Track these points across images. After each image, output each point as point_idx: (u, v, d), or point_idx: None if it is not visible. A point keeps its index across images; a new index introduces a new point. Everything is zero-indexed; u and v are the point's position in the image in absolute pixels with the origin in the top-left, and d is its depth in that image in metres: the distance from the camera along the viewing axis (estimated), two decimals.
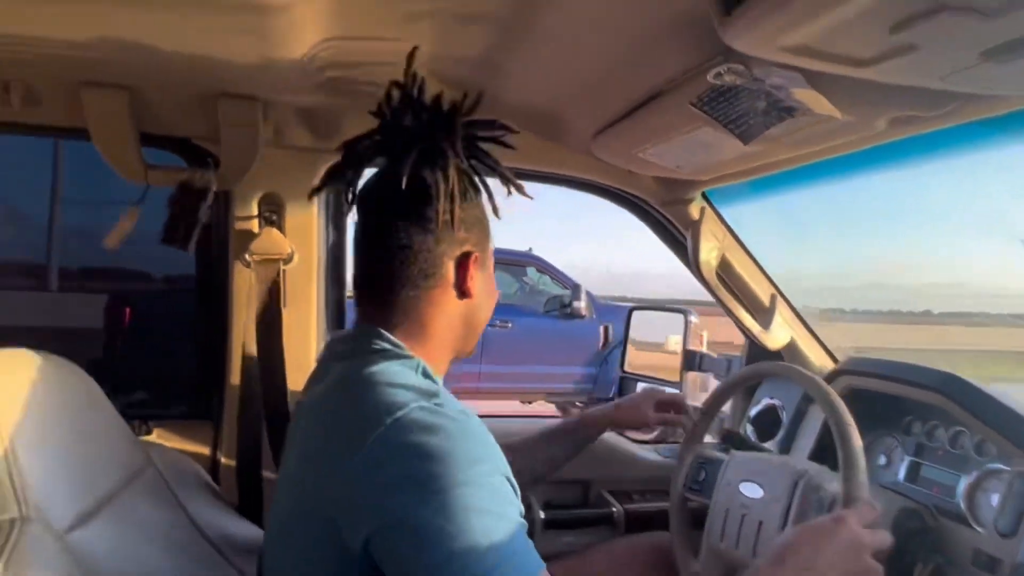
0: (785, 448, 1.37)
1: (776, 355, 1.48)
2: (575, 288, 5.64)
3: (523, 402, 5.78)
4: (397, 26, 0.87)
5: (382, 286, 0.78)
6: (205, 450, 1.30)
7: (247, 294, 1.22)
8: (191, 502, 1.05)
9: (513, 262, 5.81)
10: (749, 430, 1.50)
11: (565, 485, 1.49)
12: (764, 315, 1.43)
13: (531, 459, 1.18)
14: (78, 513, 0.80)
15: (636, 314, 1.91)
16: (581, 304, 5.49)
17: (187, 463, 1.18)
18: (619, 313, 5.85)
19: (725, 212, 1.46)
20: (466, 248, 0.78)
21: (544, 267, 6.01)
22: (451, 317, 0.80)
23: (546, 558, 1.26)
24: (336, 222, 1.32)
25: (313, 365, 1.02)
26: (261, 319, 1.21)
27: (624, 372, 1.85)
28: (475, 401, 4.65)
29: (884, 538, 0.85)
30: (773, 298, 1.45)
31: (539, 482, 1.20)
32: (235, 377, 1.25)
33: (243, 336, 1.22)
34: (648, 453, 1.61)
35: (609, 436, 1.62)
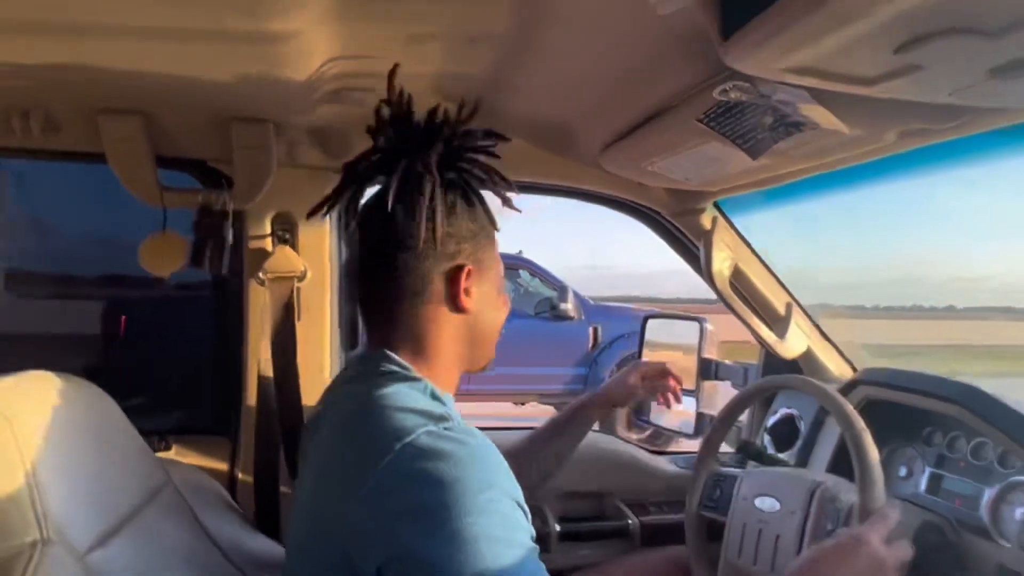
0: (803, 459, 1.35)
1: (793, 364, 1.46)
2: (562, 290, 5.63)
3: (516, 403, 5.80)
4: (403, 47, 0.87)
5: (379, 306, 0.79)
6: (223, 466, 1.31)
7: (261, 312, 1.23)
8: (209, 519, 1.07)
9: (505, 266, 5.88)
10: (766, 440, 1.48)
11: (580, 497, 1.49)
12: (779, 324, 1.42)
13: (536, 459, 1.17)
14: (98, 534, 0.81)
15: (652, 322, 1.90)
16: (568, 306, 5.48)
17: (205, 480, 1.19)
18: (609, 314, 5.89)
19: (739, 219, 1.45)
20: (457, 262, 0.77)
21: (535, 270, 6.03)
22: (451, 333, 0.79)
23: (562, 572, 1.28)
24: (348, 239, 1.34)
25: (327, 381, 1.03)
26: (276, 336, 1.22)
27: None
28: (467, 402, 4.66)
29: (905, 551, 0.83)
30: (788, 307, 1.43)
31: (548, 478, 1.19)
32: (251, 393, 1.26)
33: (258, 353, 1.24)
34: (664, 464, 1.59)
35: (624, 447, 1.62)
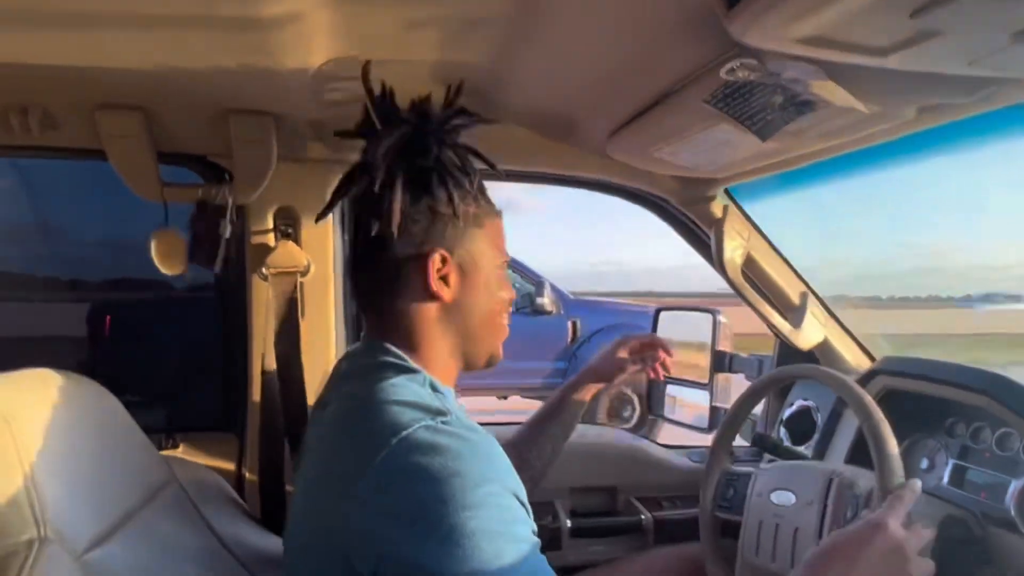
0: (820, 451, 1.32)
1: (809, 355, 1.42)
2: (539, 284, 5.63)
3: (498, 397, 5.80)
4: (402, 33, 0.85)
5: (368, 299, 0.80)
6: (230, 464, 1.31)
7: (265, 307, 1.22)
8: (214, 516, 1.06)
9: None
10: (782, 433, 1.45)
11: (592, 492, 1.46)
12: (794, 314, 1.38)
13: (534, 446, 1.16)
14: (97, 532, 0.80)
15: (664, 315, 1.87)
16: (545, 300, 5.47)
17: (211, 477, 1.19)
18: (589, 308, 5.90)
19: (752, 206, 1.41)
20: (424, 249, 0.75)
21: (512, 265, 6.06)
22: (437, 324, 0.78)
23: (574, 568, 1.26)
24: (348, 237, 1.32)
25: None
26: (280, 332, 1.21)
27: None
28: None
29: (926, 534, 0.80)
30: (804, 296, 1.39)
31: (551, 464, 1.16)
32: (256, 390, 1.25)
33: (262, 349, 1.23)
34: (677, 458, 1.56)
35: (636, 441, 1.59)
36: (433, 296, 0.77)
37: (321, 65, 0.93)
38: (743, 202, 1.40)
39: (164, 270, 1.16)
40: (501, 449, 0.67)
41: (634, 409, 5.35)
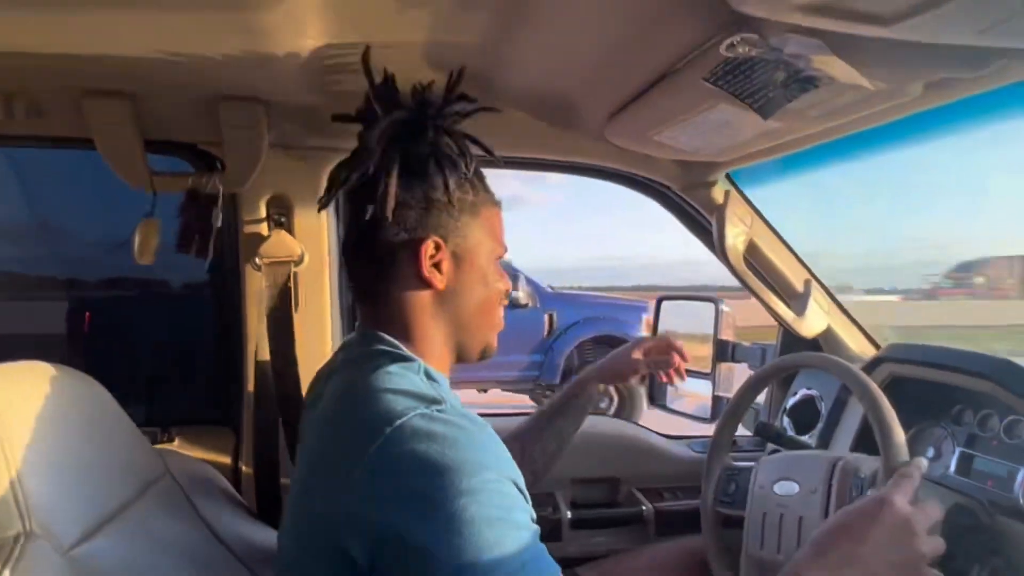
0: (824, 441, 1.30)
1: (813, 344, 1.40)
2: (513, 278, 5.69)
3: (478, 390, 5.83)
4: (393, 14, 0.83)
5: (363, 286, 0.79)
6: (226, 457, 1.29)
7: (259, 298, 1.21)
8: (209, 510, 1.04)
9: None
10: (786, 423, 1.43)
11: (593, 483, 1.45)
12: (797, 301, 1.36)
13: (539, 440, 1.15)
14: (86, 527, 0.79)
15: (666, 304, 1.85)
16: (519, 293, 5.47)
17: (205, 470, 1.17)
18: (565, 301, 5.94)
19: (754, 193, 1.39)
20: (417, 235, 0.75)
21: None
22: (431, 312, 0.77)
23: (575, 561, 1.24)
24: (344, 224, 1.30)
25: None
26: (273, 323, 1.20)
27: None
28: None
29: (934, 510, 0.77)
30: (807, 283, 1.37)
31: (554, 460, 1.16)
32: (251, 382, 1.24)
33: (257, 341, 1.21)
34: (679, 448, 1.55)
35: (638, 431, 1.57)
36: (426, 283, 0.76)
37: (313, 50, 0.91)
38: (745, 188, 1.38)
39: (138, 260, 1.14)
40: (497, 437, 0.66)
41: (612, 400, 5.37)
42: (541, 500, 1.35)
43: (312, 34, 0.85)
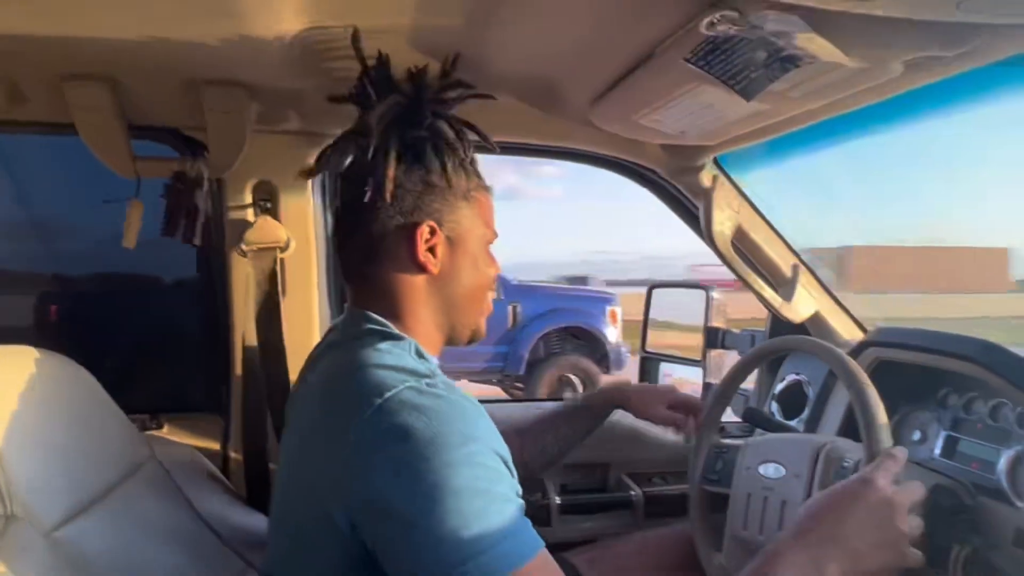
0: (812, 426, 1.30)
1: (801, 329, 1.40)
2: None
3: None
4: None
5: (353, 268, 0.79)
6: (215, 444, 1.30)
7: (245, 284, 1.20)
8: (196, 495, 1.05)
9: None
10: (774, 408, 1.43)
11: (582, 469, 1.45)
12: (785, 287, 1.36)
13: (541, 441, 1.16)
14: (68, 509, 0.79)
15: (657, 292, 1.85)
16: None
17: (193, 456, 1.18)
18: (528, 293, 5.96)
19: (745, 180, 1.38)
20: (414, 220, 0.75)
21: None
22: (422, 295, 0.78)
23: (565, 545, 1.25)
24: (333, 207, 1.30)
25: None
26: (260, 309, 1.20)
27: (645, 352, 1.79)
28: None
29: (916, 491, 0.79)
30: (795, 268, 1.37)
31: (551, 464, 1.18)
32: (239, 369, 1.24)
33: (244, 327, 1.21)
34: (669, 434, 1.55)
35: (628, 418, 1.57)
36: (420, 267, 0.76)
37: (292, 33, 0.90)
38: (734, 174, 1.37)
39: (124, 243, 1.14)
40: (485, 412, 0.67)
41: (576, 391, 5.39)
42: (531, 485, 1.35)
43: (290, 16, 0.84)
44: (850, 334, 1.38)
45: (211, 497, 1.08)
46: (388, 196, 0.73)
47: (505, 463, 0.65)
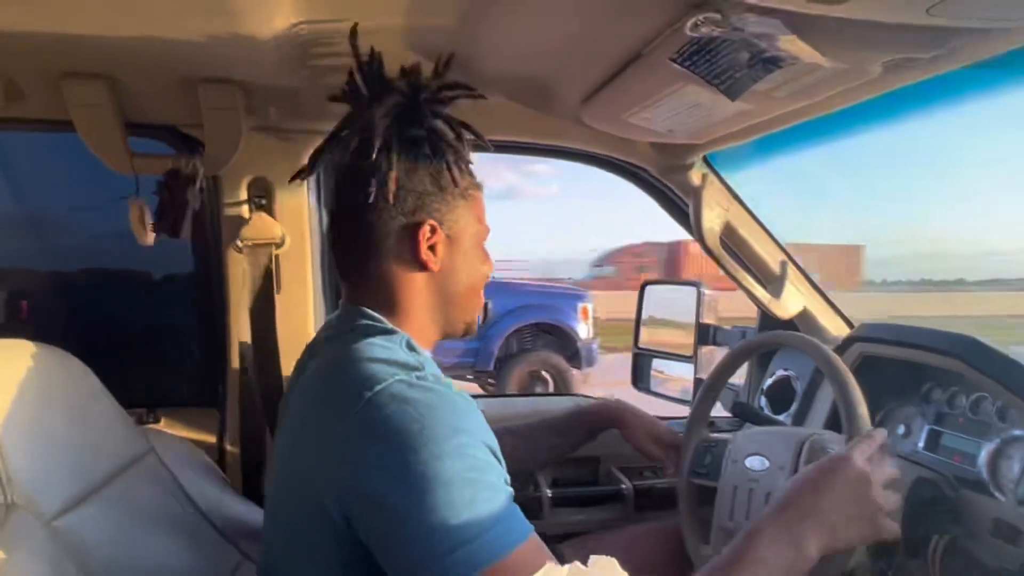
0: (799, 419, 1.32)
1: (790, 325, 1.42)
2: None
3: None
4: None
5: (350, 265, 0.80)
6: (211, 437, 1.31)
7: (241, 280, 1.22)
8: (193, 487, 1.06)
9: None
10: (763, 403, 1.45)
11: (573, 462, 1.46)
12: (774, 283, 1.38)
13: (533, 446, 1.18)
14: (67, 499, 0.81)
15: (649, 288, 1.87)
16: None
17: (190, 449, 1.19)
18: (499, 289, 5.86)
19: (734, 179, 1.40)
20: (417, 219, 0.77)
21: None
22: (420, 291, 0.79)
23: (556, 538, 1.27)
24: (328, 204, 1.31)
25: None
26: (256, 305, 1.21)
27: (638, 348, 1.81)
28: None
29: (892, 469, 0.81)
30: (783, 265, 1.39)
31: (541, 468, 1.20)
32: (234, 364, 1.26)
33: (239, 322, 1.23)
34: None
35: None
36: (421, 265, 0.78)
37: (286, 32, 0.92)
38: (724, 173, 1.39)
39: (140, 241, 1.16)
40: (475, 404, 0.68)
41: (546, 387, 5.36)
42: (522, 478, 1.37)
43: (284, 16, 0.86)
44: (838, 330, 1.41)
45: (208, 489, 1.10)
46: (391, 197, 0.74)
47: (494, 454, 0.67)
